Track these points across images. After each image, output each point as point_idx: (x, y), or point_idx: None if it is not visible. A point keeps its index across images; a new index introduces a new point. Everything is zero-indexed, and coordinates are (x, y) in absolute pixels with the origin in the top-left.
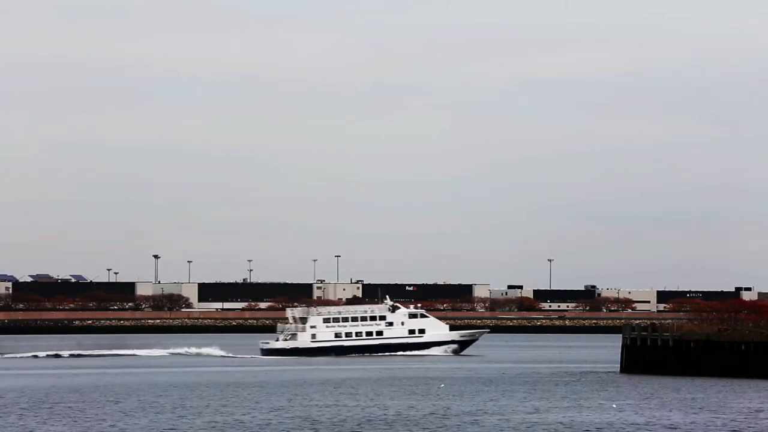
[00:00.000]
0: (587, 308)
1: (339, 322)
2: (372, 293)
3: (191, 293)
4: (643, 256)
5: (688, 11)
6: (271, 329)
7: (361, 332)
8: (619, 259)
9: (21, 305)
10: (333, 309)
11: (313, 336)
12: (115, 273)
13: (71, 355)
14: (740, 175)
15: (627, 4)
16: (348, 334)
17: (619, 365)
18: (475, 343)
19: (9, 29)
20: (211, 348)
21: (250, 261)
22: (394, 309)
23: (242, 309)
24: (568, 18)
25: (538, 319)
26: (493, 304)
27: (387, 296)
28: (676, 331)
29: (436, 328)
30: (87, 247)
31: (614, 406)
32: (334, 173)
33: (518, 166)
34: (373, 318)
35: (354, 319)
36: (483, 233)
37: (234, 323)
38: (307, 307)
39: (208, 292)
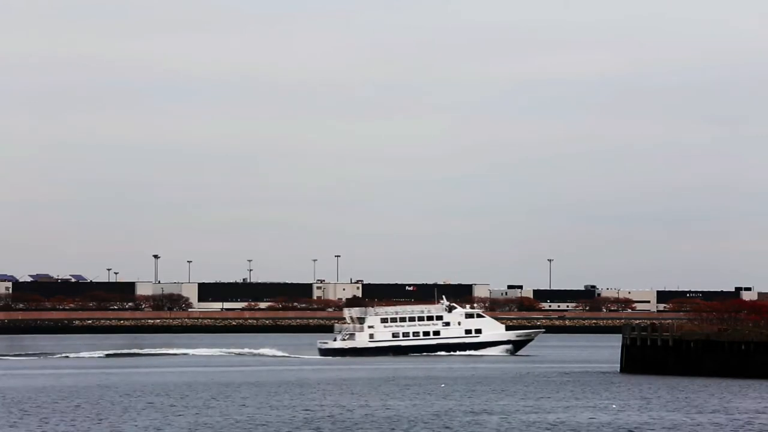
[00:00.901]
0: (587, 308)
1: (396, 322)
2: (372, 293)
3: (191, 293)
4: (643, 256)
5: (688, 11)
6: (270, 329)
7: (418, 332)
8: (619, 259)
9: (21, 305)
10: (390, 309)
11: (371, 336)
12: (115, 273)
13: (133, 354)
14: (740, 175)
15: (627, 4)
16: (405, 334)
17: (619, 365)
18: (530, 343)
19: (9, 29)
20: (269, 348)
21: (250, 261)
22: (450, 309)
23: (242, 309)
24: (568, 18)
25: (538, 319)
26: (493, 304)
27: (444, 296)
28: (676, 331)
29: (492, 328)
30: (87, 247)
31: (614, 406)
32: (334, 173)
33: (518, 166)
34: (430, 318)
35: (411, 319)
36: (483, 233)
37: (234, 323)
38: (365, 307)
39: (208, 292)
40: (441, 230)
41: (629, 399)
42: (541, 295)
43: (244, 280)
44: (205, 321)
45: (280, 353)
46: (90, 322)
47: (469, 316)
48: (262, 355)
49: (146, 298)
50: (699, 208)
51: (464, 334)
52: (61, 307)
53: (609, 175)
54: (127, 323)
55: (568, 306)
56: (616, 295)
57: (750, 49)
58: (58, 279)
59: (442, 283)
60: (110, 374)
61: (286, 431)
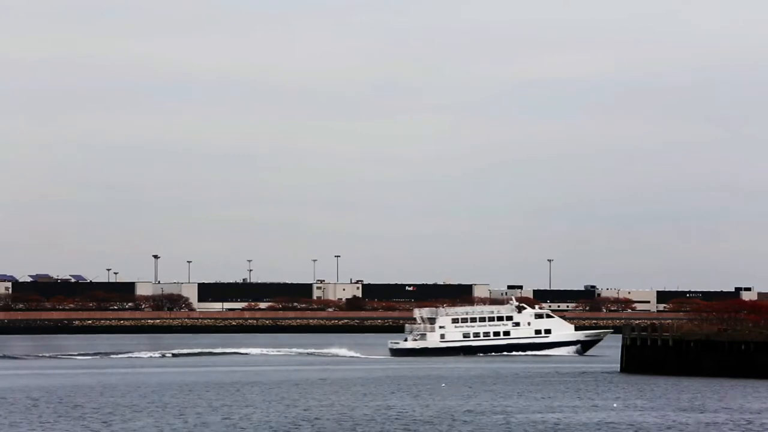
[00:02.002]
0: (587, 308)
1: (467, 322)
2: (372, 293)
3: (191, 293)
4: (643, 256)
5: (688, 11)
6: (270, 329)
7: (488, 332)
8: (619, 259)
9: (21, 305)
10: (460, 309)
11: (442, 336)
12: (115, 273)
13: (201, 354)
14: (740, 175)
15: (627, 4)
16: (476, 335)
17: (618, 365)
18: (599, 343)
19: (10, 30)
20: (340, 348)
21: (250, 261)
22: (520, 309)
23: (242, 309)
24: (568, 18)
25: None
26: (494, 304)
27: (513, 297)
28: (676, 331)
29: (561, 329)
30: (87, 247)
31: (614, 406)
32: (334, 173)
33: (518, 166)
34: (500, 318)
35: (482, 319)
36: (483, 233)
37: (234, 323)
38: (435, 307)
39: (207, 292)
40: (441, 230)
41: (629, 399)
42: (541, 295)
43: (244, 280)
44: (205, 321)
45: (351, 353)
46: (90, 322)
47: (538, 316)
48: (335, 356)
49: (146, 299)
50: (699, 208)
51: (534, 335)
52: (60, 307)
53: (609, 175)
54: (126, 323)
55: (568, 306)
56: (616, 295)
57: (750, 50)
58: (58, 279)
59: (442, 283)
60: (206, 373)
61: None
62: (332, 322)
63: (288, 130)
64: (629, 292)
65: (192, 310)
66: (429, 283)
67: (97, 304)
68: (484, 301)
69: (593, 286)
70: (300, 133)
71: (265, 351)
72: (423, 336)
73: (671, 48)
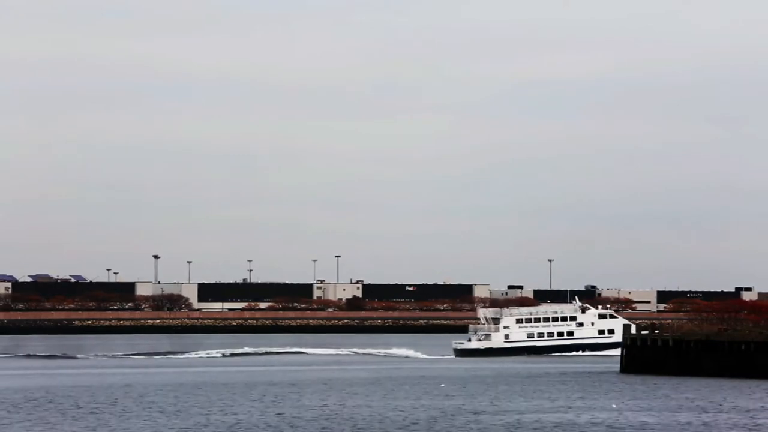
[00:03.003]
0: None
1: (531, 322)
2: (372, 293)
3: (191, 293)
4: (643, 256)
5: (688, 11)
6: (270, 329)
7: (552, 333)
8: (619, 259)
9: (21, 305)
10: (524, 310)
11: (507, 336)
12: (115, 273)
13: (266, 353)
14: (740, 175)
15: (627, 4)
16: (540, 335)
17: (618, 365)
18: None
19: (10, 30)
20: (403, 348)
21: (250, 261)
22: (584, 310)
23: (242, 309)
24: (568, 18)
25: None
26: (493, 304)
27: (576, 297)
28: (676, 331)
29: None
30: (87, 247)
31: (614, 406)
32: (333, 173)
33: (518, 166)
34: (564, 318)
35: (546, 319)
36: (483, 233)
37: (234, 323)
38: (499, 308)
39: (207, 292)
40: (441, 230)
41: (629, 399)
42: (541, 295)
43: (244, 280)
44: (205, 321)
45: (413, 353)
46: (90, 322)
47: (602, 316)
48: (401, 356)
49: (146, 299)
50: (699, 208)
51: (597, 335)
52: (60, 308)
53: (609, 175)
54: (126, 323)
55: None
56: (616, 295)
57: (750, 50)
58: (58, 279)
59: (442, 283)
60: (292, 372)
61: None
62: (332, 322)
63: (288, 130)
64: (629, 292)
65: (192, 310)
66: (429, 283)
67: (97, 305)
68: (484, 301)
69: (593, 286)
70: (300, 133)
71: (322, 351)
72: (488, 336)
73: (671, 48)
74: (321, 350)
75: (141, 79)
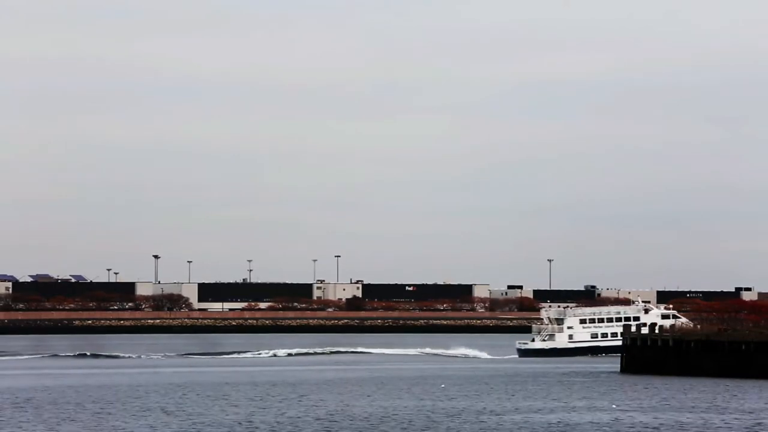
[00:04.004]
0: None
1: (594, 323)
2: (372, 293)
3: (191, 293)
4: (643, 256)
5: (688, 11)
6: (270, 329)
7: (616, 333)
8: (619, 259)
9: (21, 305)
10: (587, 310)
11: (570, 337)
12: (115, 273)
13: (323, 353)
14: (740, 175)
15: (627, 4)
16: (604, 335)
17: (619, 365)
18: None
19: (10, 30)
20: (467, 349)
21: (250, 261)
22: (647, 310)
23: (242, 309)
24: (568, 18)
25: (538, 319)
26: (493, 304)
27: (639, 297)
28: (676, 331)
29: None
30: (87, 247)
31: (614, 406)
32: (334, 173)
33: (518, 167)
34: (627, 319)
35: (609, 320)
36: (483, 233)
37: (234, 323)
38: (563, 308)
39: (208, 292)
40: (441, 230)
41: (629, 399)
42: (541, 295)
43: (244, 280)
44: (205, 321)
45: (477, 353)
46: (90, 322)
47: (665, 317)
48: (465, 356)
49: (146, 299)
50: (699, 208)
51: None
52: (61, 307)
53: (609, 175)
54: (127, 323)
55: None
56: (616, 295)
57: (751, 50)
58: (58, 279)
59: (442, 283)
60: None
61: None
62: (332, 322)
63: (288, 130)
64: (629, 292)
65: (192, 310)
66: (429, 283)
67: (97, 304)
68: (484, 301)
69: (593, 286)
70: (300, 133)
71: (399, 351)
72: (551, 336)
73: (671, 48)
74: (389, 350)
75: (141, 79)
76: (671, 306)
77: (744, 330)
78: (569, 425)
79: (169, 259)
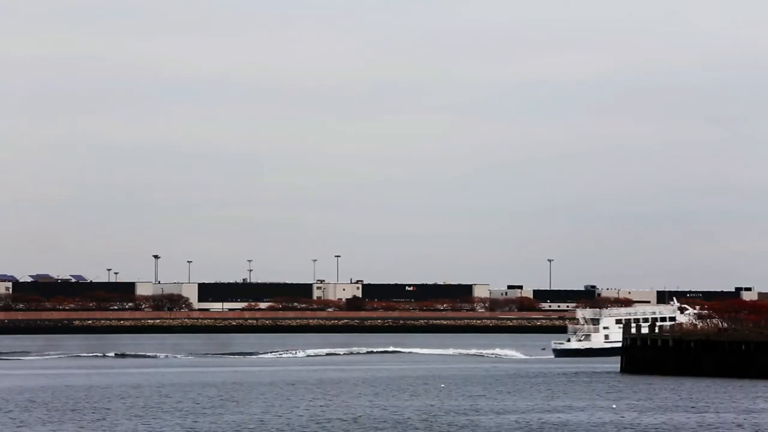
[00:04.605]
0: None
1: (630, 323)
2: (372, 293)
3: (191, 293)
4: (643, 257)
5: (688, 11)
6: (270, 329)
7: None
8: (619, 259)
9: (21, 305)
10: (623, 310)
11: (606, 337)
12: (115, 273)
13: (368, 352)
14: (740, 175)
15: (627, 4)
16: None
17: (618, 365)
18: None
19: (10, 30)
20: (505, 349)
21: (250, 261)
22: (682, 310)
23: (242, 309)
24: (568, 18)
25: (538, 319)
26: (493, 304)
27: (674, 298)
28: (676, 331)
29: None
30: (87, 247)
31: (614, 406)
32: (334, 173)
33: (518, 167)
34: (662, 319)
35: (644, 320)
36: (483, 233)
37: (234, 323)
38: (599, 308)
39: (208, 292)
40: (441, 230)
41: (629, 399)
42: (541, 295)
43: (244, 280)
44: (205, 321)
45: (515, 353)
46: (90, 322)
47: (700, 317)
48: (505, 357)
49: (146, 299)
50: (699, 208)
51: None
52: (61, 307)
53: (609, 175)
54: (127, 323)
55: (568, 306)
56: (616, 295)
57: (751, 50)
58: (58, 279)
59: (442, 283)
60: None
61: None
62: (332, 322)
63: (288, 130)
64: (629, 292)
65: (192, 310)
66: (429, 283)
67: (98, 304)
68: (484, 301)
69: (593, 286)
70: (300, 133)
71: (436, 351)
72: (587, 336)
73: (671, 48)
74: (427, 350)
75: (141, 79)
76: (706, 306)
77: (744, 330)
78: (569, 425)
79: (169, 259)
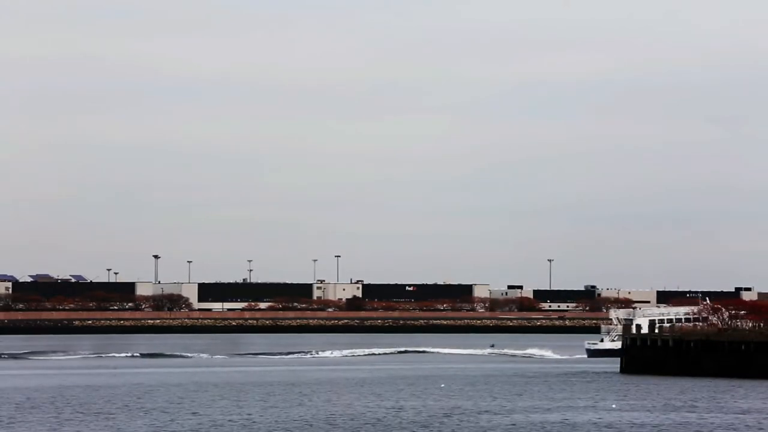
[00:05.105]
0: (587, 308)
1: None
2: (372, 293)
3: (191, 293)
4: (643, 256)
5: (688, 11)
6: (270, 329)
7: None
8: (619, 259)
9: (21, 305)
10: (656, 311)
11: None
12: (115, 273)
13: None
14: (740, 175)
15: (627, 4)
16: None
17: (618, 365)
18: None
19: (10, 30)
20: (539, 349)
21: (250, 261)
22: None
23: (242, 309)
24: (568, 18)
25: (538, 319)
26: (493, 304)
27: (707, 298)
28: (676, 331)
29: None
30: (87, 247)
31: (614, 406)
32: (334, 173)
33: (518, 167)
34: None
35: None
36: (483, 233)
37: (234, 323)
38: (632, 309)
39: (208, 292)
40: (441, 230)
41: (629, 399)
42: (541, 295)
43: (244, 280)
44: (205, 321)
45: (549, 354)
46: (90, 322)
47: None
48: (536, 356)
49: (146, 299)
50: (699, 208)
51: None
52: (61, 307)
53: (609, 175)
54: (127, 323)
55: (568, 306)
56: (616, 295)
57: (751, 50)
58: (58, 279)
59: (442, 283)
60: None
61: None
62: (332, 322)
63: (288, 130)
64: (629, 292)
65: (192, 310)
66: (429, 283)
67: (97, 304)
68: (484, 301)
69: (593, 286)
70: (300, 133)
71: (470, 351)
72: (621, 337)
73: (671, 48)
74: (456, 350)
75: (141, 79)
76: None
77: (744, 330)
78: (569, 425)
79: (169, 259)
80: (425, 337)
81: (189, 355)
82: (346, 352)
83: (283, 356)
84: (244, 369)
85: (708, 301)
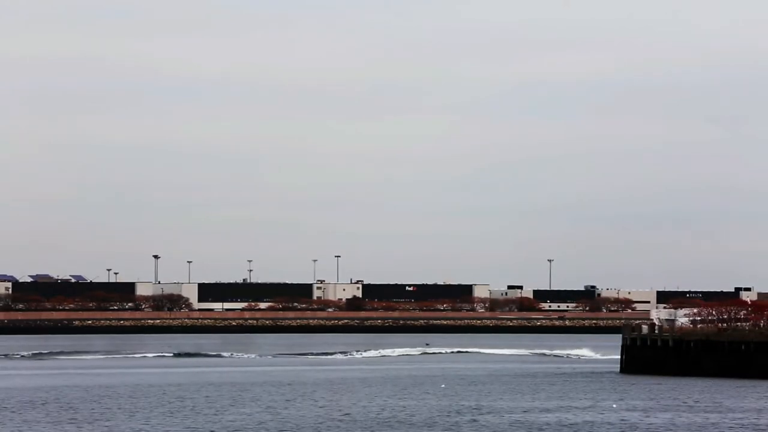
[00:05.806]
0: (587, 308)
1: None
2: (372, 293)
3: (191, 293)
4: (643, 257)
5: (688, 11)
6: (270, 329)
7: None
8: (619, 259)
9: (21, 305)
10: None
11: None
12: (115, 273)
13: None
14: (740, 175)
15: (627, 4)
16: None
17: (618, 365)
18: None
19: (10, 30)
20: (583, 350)
21: (250, 261)
22: None
23: (242, 309)
24: (568, 18)
25: (538, 319)
26: (493, 304)
27: (748, 300)
28: (676, 331)
29: None
30: (87, 247)
31: (614, 406)
32: (334, 173)
33: (518, 167)
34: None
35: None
36: (483, 233)
37: (234, 323)
38: (673, 309)
39: (208, 292)
40: (441, 230)
41: (629, 399)
42: (541, 295)
43: (244, 280)
44: (205, 321)
45: (590, 353)
46: (90, 322)
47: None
48: (581, 357)
49: (146, 299)
50: (699, 208)
51: None
52: (61, 308)
53: (609, 175)
54: (127, 323)
55: (568, 306)
56: (616, 295)
57: (751, 51)
58: (58, 279)
59: (442, 283)
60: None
61: None
62: (332, 322)
63: (288, 130)
64: (629, 292)
65: (192, 310)
66: (429, 283)
67: (97, 305)
68: (484, 302)
69: (593, 286)
70: (300, 133)
71: (507, 351)
72: None
73: (671, 48)
74: (501, 351)
75: (141, 79)
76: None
77: (744, 330)
78: (569, 425)
79: (169, 259)
80: (425, 337)
81: (224, 354)
82: (398, 351)
83: (329, 356)
84: (313, 368)
85: (749, 300)
